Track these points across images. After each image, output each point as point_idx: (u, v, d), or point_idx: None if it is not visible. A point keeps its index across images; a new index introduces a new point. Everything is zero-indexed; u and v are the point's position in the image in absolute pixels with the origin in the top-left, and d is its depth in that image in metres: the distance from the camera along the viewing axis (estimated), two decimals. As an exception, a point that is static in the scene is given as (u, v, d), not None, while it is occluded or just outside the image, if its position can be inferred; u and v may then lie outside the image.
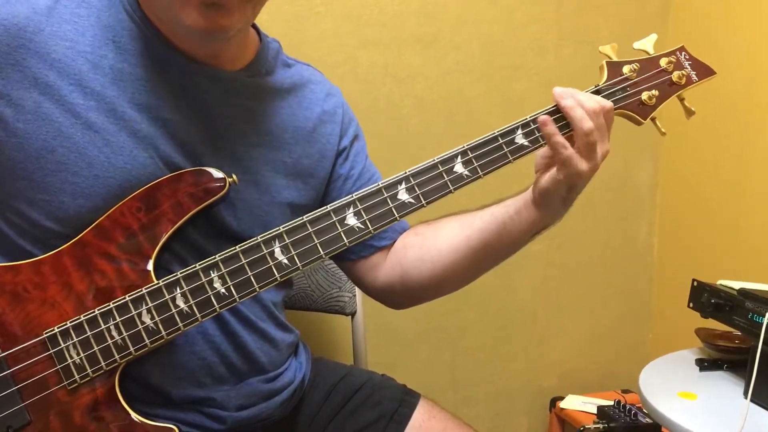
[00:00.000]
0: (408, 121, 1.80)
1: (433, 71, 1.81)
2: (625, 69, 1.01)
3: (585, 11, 1.93)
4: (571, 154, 0.91)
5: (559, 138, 0.91)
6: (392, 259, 1.10)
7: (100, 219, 0.86)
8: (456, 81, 1.83)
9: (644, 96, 1.01)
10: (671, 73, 1.03)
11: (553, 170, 0.93)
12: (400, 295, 1.12)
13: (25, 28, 0.85)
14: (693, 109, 1.03)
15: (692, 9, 1.93)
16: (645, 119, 1.01)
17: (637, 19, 1.96)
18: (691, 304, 1.43)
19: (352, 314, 1.51)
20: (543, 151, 0.96)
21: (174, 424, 0.87)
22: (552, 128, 0.91)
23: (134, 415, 0.85)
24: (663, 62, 1.03)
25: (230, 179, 0.89)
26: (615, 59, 1.01)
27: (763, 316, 1.23)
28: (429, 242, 1.07)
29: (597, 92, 0.99)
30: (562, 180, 0.92)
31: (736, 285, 1.37)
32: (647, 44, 1.04)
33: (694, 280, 1.43)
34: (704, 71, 1.04)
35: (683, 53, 1.04)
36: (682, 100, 1.04)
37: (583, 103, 0.92)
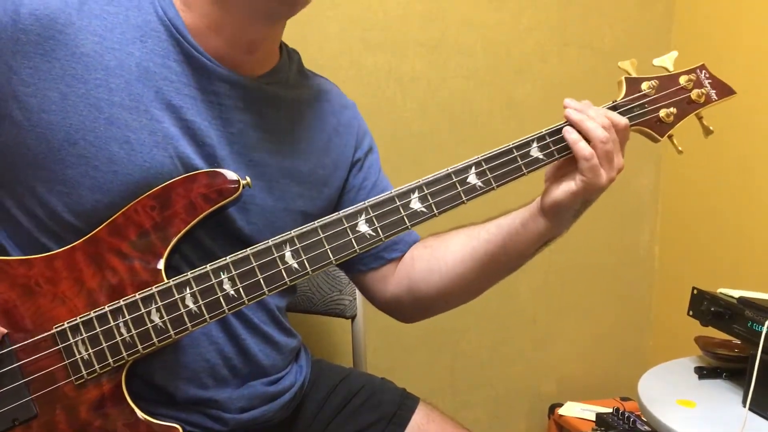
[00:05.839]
0: (411, 124, 1.80)
1: (436, 75, 1.81)
2: (644, 86, 1.01)
3: (589, 17, 1.93)
4: (596, 163, 0.91)
5: (584, 144, 0.92)
6: (401, 271, 1.11)
7: (115, 216, 0.87)
8: (459, 85, 1.84)
9: (662, 113, 1.00)
10: (690, 91, 1.02)
11: (568, 183, 0.93)
12: (409, 308, 1.12)
13: (56, 19, 0.86)
14: (711, 128, 1.02)
15: (696, 15, 1.94)
16: (662, 136, 1.01)
17: (641, 24, 1.97)
18: (690, 312, 1.43)
19: (353, 317, 1.52)
20: (556, 161, 0.97)
21: (178, 424, 0.87)
22: (575, 135, 0.92)
23: (139, 413, 0.85)
24: (682, 80, 1.02)
25: (243, 181, 0.89)
26: (634, 75, 1.01)
27: (763, 324, 1.23)
28: (437, 254, 1.08)
29: (614, 108, 0.99)
30: (579, 193, 0.93)
31: (736, 293, 1.37)
32: (667, 61, 1.03)
33: (694, 288, 1.44)
34: (724, 90, 1.04)
35: (703, 71, 1.04)
36: (700, 118, 1.03)
37: (594, 117, 0.93)
